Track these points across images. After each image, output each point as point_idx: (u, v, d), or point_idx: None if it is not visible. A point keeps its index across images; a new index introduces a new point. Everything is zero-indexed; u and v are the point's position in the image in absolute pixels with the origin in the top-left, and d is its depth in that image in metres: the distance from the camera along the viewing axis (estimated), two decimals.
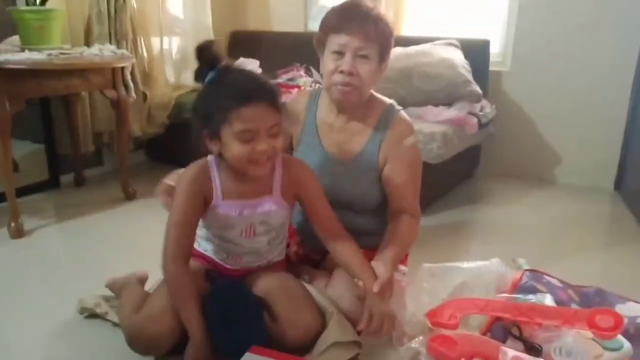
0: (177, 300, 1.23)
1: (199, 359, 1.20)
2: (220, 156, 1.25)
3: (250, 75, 1.23)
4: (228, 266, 1.39)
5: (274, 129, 1.18)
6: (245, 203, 1.28)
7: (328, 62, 1.41)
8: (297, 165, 1.37)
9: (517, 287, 1.47)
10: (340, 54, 1.39)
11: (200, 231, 1.35)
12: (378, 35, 1.39)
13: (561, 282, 1.56)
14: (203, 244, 1.40)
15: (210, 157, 1.30)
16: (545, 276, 1.55)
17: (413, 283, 1.46)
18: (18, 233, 2.27)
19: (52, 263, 2.10)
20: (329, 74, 1.41)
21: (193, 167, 1.30)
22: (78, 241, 2.30)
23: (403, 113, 1.54)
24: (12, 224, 2.27)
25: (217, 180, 1.27)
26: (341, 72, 1.38)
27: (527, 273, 1.52)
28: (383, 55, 1.42)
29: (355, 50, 1.37)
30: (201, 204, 1.27)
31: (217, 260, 1.40)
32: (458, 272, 1.48)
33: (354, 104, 1.46)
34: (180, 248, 1.25)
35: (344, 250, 1.35)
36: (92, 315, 1.59)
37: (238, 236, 1.31)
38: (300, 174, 1.35)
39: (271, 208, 1.30)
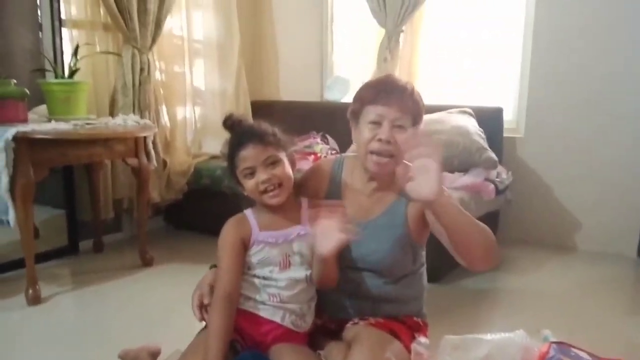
0: (209, 341, 1.30)
1: None
2: (250, 200, 1.45)
3: (246, 125, 1.44)
4: (265, 316, 1.40)
5: (268, 160, 1.38)
6: (280, 233, 1.42)
7: (364, 131, 1.46)
8: (320, 203, 1.51)
9: None
10: (377, 123, 1.44)
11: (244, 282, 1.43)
12: (413, 107, 1.45)
13: (589, 354, 1.50)
14: (245, 294, 1.44)
15: (246, 210, 1.48)
16: (573, 349, 1.49)
17: (435, 356, 1.41)
18: (35, 300, 2.27)
19: (68, 331, 2.08)
20: (365, 142, 1.46)
21: (230, 219, 1.46)
22: (94, 309, 2.29)
23: None
24: (30, 291, 2.27)
25: (252, 219, 1.44)
26: (379, 140, 1.43)
27: (554, 346, 1.46)
28: (415, 126, 1.48)
29: (392, 121, 1.43)
30: (242, 248, 1.41)
31: (258, 306, 1.42)
32: (482, 344, 1.43)
33: (385, 174, 1.49)
34: (230, 288, 1.36)
35: None
36: None
37: (277, 270, 1.40)
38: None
39: (300, 232, 1.42)
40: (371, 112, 1.45)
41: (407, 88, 1.46)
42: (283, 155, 1.42)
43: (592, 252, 3.14)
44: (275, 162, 1.39)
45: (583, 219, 3.22)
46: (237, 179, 1.43)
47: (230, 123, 1.44)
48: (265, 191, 1.38)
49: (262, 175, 1.37)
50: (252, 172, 1.38)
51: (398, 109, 1.42)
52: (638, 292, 2.65)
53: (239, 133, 1.43)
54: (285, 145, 1.44)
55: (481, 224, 1.36)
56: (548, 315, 2.23)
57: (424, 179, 1.21)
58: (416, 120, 1.47)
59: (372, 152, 1.44)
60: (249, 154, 1.37)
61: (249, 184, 1.39)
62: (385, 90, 1.45)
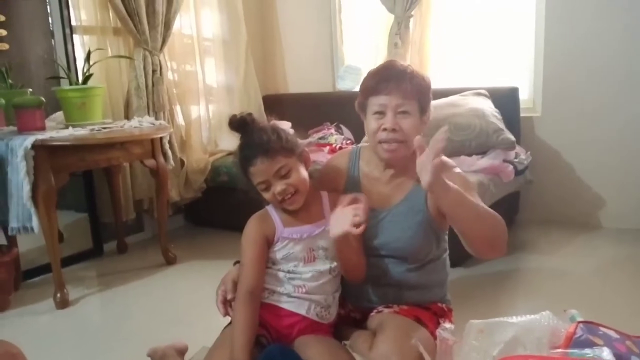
0: (234, 335, 1.31)
1: None
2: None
3: (250, 138, 1.40)
4: (290, 308, 1.41)
5: (281, 171, 1.36)
6: (304, 229, 1.42)
7: (371, 122, 1.46)
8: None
9: (572, 341, 1.39)
10: (381, 113, 1.44)
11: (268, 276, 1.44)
12: (415, 91, 1.44)
13: (618, 332, 1.47)
14: (269, 287, 1.44)
15: (268, 206, 1.48)
16: (601, 328, 1.46)
17: (460, 341, 1.40)
18: (63, 303, 2.31)
19: (96, 333, 2.12)
20: (373, 133, 1.46)
21: (254, 215, 1.47)
22: (121, 309, 2.33)
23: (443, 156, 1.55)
24: (58, 295, 2.32)
25: (276, 216, 1.44)
26: (384, 129, 1.43)
27: (582, 325, 1.44)
28: (423, 108, 1.48)
29: (395, 108, 1.43)
30: (266, 244, 1.42)
31: (282, 299, 1.42)
32: (508, 327, 1.41)
33: (400, 159, 1.48)
34: (253, 283, 1.37)
35: None
36: None
37: (301, 264, 1.41)
38: None
39: (326, 227, 1.41)
40: (374, 103, 1.45)
41: (405, 72, 1.45)
42: (294, 160, 1.40)
43: (616, 229, 3.09)
44: (287, 172, 1.38)
45: (606, 196, 3.16)
46: (255, 189, 1.43)
47: (236, 124, 1.42)
48: (283, 200, 1.39)
49: (277, 187, 1.37)
50: (266, 186, 1.38)
51: (399, 95, 1.42)
52: None
53: (244, 145, 1.41)
54: (293, 147, 1.41)
55: (490, 214, 1.36)
56: (574, 295, 2.21)
57: (423, 167, 1.24)
58: (422, 103, 1.46)
59: (380, 142, 1.45)
60: (258, 170, 1.37)
61: (266, 196, 1.40)
62: (384, 79, 1.44)
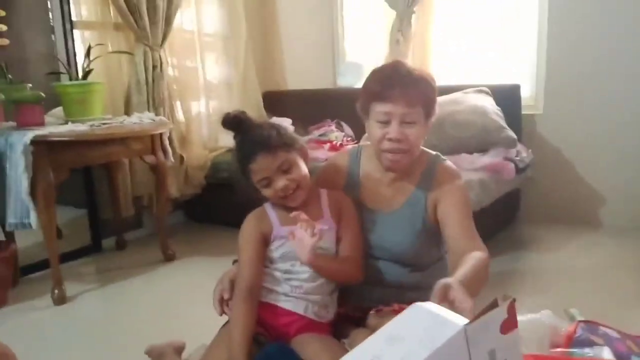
0: (232, 333, 1.30)
1: None
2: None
3: (248, 135, 1.38)
4: (287, 307, 1.40)
5: (283, 166, 1.35)
6: None
7: (374, 129, 1.41)
8: (339, 193, 1.50)
9: (573, 341, 1.38)
10: (386, 122, 1.38)
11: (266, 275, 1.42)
12: (421, 98, 1.38)
13: (618, 332, 1.46)
14: (267, 286, 1.43)
15: (265, 204, 1.45)
16: (601, 327, 1.45)
17: None
18: (61, 300, 2.31)
19: (94, 329, 2.11)
20: (377, 141, 1.41)
21: (251, 213, 1.45)
22: (119, 306, 2.32)
23: (448, 161, 1.54)
24: (56, 291, 2.31)
25: (273, 213, 1.42)
26: (389, 139, 1.38)
27: (582, 325, 1.43)
28: (429, 113, 1.42)
29: (401, 118, 1.37)
30: (263, 243, 1.40)
31: (280, 298, 1.41)
32: None
33: (403, 165, 1.46)
34: (251, 281, 1.35)
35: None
36: None
37: (298, 264, 1.38)
38: (341, 199, 1.48)
39: (324, 227, 1.38)
40: (378, 110, 1.38)
41: (411, 77, 1.37)
42: (294, 154, 1.38)
43: (618, 227, 3.07)
44: (289, 167, 1.36)
45: (607, 194, 3.14)
46: (255, 186, 1.40)
47: (230, 123, 1.39)
48: (284, 197, 1.36)
49: (278, 183, 1.35)
50: (268, 182, 1.36)
51: (405, 103, 1.35)
52: None
53: (242, 143, 1.38)
54: (293, 142, 1.39)
55: (486, 271, 1.35)
56: (575, 294, 2.20)
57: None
58: (428, 109, 1.40)
59: (384, 151, 1.41)
60: (259, 167, 1.34)
61: (268, 193, 1.38)
62: (390, 84, 1.36)
